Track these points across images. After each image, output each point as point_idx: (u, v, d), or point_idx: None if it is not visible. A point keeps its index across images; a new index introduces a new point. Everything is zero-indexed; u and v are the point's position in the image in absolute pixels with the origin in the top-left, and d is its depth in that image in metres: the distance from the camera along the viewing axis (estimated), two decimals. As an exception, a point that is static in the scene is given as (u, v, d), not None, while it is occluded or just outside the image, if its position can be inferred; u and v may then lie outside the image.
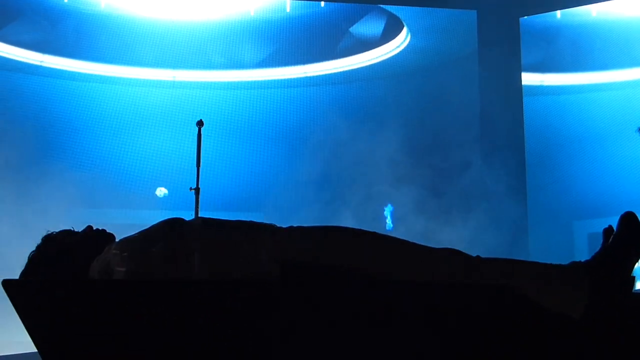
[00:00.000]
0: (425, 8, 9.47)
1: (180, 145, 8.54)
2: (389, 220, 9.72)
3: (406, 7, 9.59)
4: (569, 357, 2.41)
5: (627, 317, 2.45)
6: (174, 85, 10.48)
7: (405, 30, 10.12)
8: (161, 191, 9.51)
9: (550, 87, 10.35)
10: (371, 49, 10.43)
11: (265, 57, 10.48)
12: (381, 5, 9.89)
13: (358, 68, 10.48)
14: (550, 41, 9.99)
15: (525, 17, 9.34)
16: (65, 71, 10.19)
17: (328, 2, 9.84)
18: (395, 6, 9.66)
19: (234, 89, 10.60)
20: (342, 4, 9.89)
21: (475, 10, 9.39)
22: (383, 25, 10.26)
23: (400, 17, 9.91)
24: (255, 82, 10.57)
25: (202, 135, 6.17)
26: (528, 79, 9.60)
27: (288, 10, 10.05)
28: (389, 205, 9.69)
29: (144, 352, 2.37)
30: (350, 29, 10.30)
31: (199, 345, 2.36)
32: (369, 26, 10.29)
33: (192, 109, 9.52)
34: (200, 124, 6.15)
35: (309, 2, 9.87)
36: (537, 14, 9.31)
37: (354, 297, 2.37)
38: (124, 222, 8.75)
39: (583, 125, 9.79)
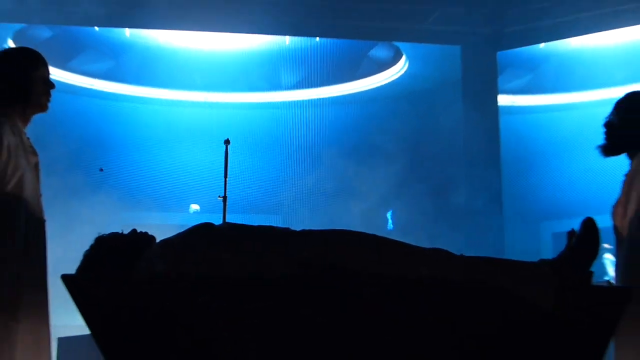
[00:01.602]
0: (418, 44, 9.48)
1: (211, 158, 8.52)
2: (390, 223, 9.73)
3: (400, 42, 9.57)
4: (542, 339, 2.42)
5: (588, 305, 2.46)
6: (205, 105, 10.52)
7: (403, 59, 10.14)
8: (192, 208, 9.54)
9: (522, 107, 10.37)
10: (373, 74, 10.46)
11: (280, 82, 10.52)
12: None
13: (361, 92, 10.51)
14: (524, 69, 10.02)
15: (502, 51, 9.37)
16: (115, 94, 10.25)
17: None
18: (389, 41, 9.63)
19: (255, 109, 10.64)
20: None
21: (460, 46, 9.42)
22: (384, 55, 10.28)
23: (400, 48, 9.91)
24: (273, 103, 10.60)
25: (228, 152, 6.16)
26: (503, 100, 9.59)
27: (287, 43, 10.07)
28: (390, 210, 9.68)
29: (179, 339, 2.38)
30: (355, 59, 10.31)
31: (223, 335, 2.36)
32: (374, 55, 10.29)
33: (221, 126, 9.52)
34: (227, 142, 6.14)
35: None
36: (512, 48, 9.33)
37: (356, 291, 2.38)
38: (163, 223, 8.80)
39: (550, 140, 9.80)
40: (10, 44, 9.04)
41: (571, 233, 2.53)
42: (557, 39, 9.16)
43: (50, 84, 3.16)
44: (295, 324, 2.35)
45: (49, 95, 3.16)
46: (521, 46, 9.30)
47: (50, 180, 3.53)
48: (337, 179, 9.07)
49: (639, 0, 8.27)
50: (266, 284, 2.35)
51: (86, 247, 2.56)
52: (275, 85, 10.45)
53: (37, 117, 3.22)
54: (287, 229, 2.53)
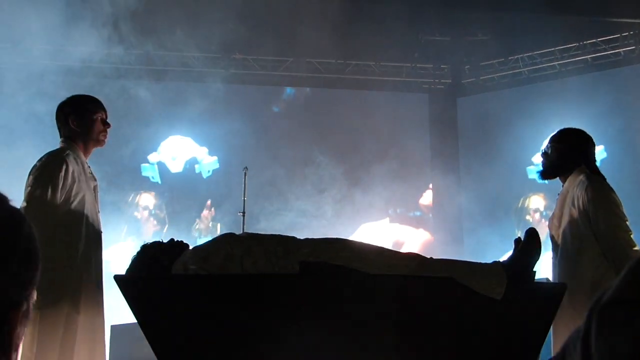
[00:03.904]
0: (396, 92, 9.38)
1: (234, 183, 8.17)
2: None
3: (381, 91, 9.40)
4: (492, 322, 2.40)
5: (530, 297, 2.46)
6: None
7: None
8: None
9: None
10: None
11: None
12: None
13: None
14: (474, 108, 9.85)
15: (460, 97, 9.44)
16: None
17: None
18: (372, 90, 9.41)
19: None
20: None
21: (427, 94, 9.47)
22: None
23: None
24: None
25: (247, 177, 6.13)
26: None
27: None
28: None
29: (206, 322, 2.35)
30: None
31: (245, 317, 2.34)
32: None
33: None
34: (245, 169, 6.14)
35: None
36: (467, 95, 9.42)
37: (346, 283, 2.37)
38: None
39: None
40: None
41: (518, 240, 2.51)
42: (501, 89, 9.23)
43: (107, 124, 3.14)
44: (296, 311, 2.34)
45: (105, 133, 3.14)
46: (473, 94, 9.37)
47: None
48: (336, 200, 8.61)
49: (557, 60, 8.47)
50: (272, 279, 2.34)
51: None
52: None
53: None
54: (293, 237, 2.51)
